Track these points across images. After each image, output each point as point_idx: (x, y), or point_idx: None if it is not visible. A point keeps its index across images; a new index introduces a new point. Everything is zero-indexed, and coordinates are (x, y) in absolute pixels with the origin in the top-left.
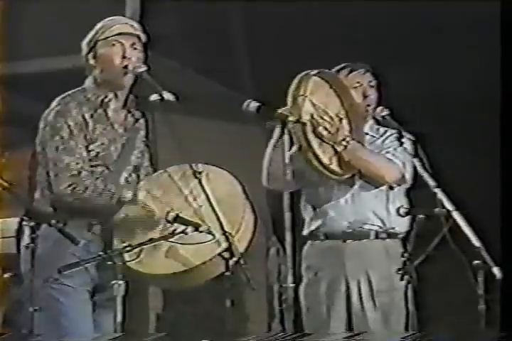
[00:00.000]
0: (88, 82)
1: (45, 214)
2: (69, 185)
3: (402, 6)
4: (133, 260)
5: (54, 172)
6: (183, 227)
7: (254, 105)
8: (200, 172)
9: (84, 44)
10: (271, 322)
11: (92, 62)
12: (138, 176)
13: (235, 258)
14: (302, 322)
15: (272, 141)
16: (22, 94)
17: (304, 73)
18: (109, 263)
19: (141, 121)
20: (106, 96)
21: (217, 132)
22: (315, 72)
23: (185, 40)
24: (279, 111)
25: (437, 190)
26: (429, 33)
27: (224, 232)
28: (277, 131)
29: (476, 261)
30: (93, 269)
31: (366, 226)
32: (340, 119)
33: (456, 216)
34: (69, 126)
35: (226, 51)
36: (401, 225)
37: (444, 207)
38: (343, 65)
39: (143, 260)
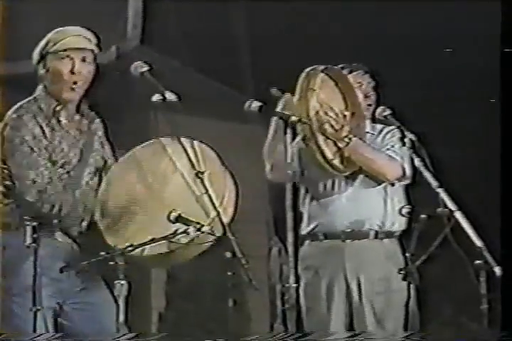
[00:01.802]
0: (39, 91)
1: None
2: (37, 200)
3: (401, 6)
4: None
5: (21, 187)
6: (184, 227)
7: (256, 105)
8: (202, 173)
9: (34, 54)
10: (273, 322)
11: (42, 72)
12: (100, 178)
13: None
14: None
15: (271, 133)
16: (22, 94)
17: (310, 68)
18: (111, 263)
19: (97, 121)
20: (57, 105)
21: (218, 132)
22: (322, 67)
23: (186, 40)
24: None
25: (439, 190)
26: (429, 33)
27: (224, 232)
28: (274, 124)
29: (478, 261)
30: (64, 278)
31: (366, 226)
32: (344, 116)
33: (458, 216)
34: (27, 141)
35: (228, 50)
36: (400, 224)
37: (446, 206)
38: (341, 65)
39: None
